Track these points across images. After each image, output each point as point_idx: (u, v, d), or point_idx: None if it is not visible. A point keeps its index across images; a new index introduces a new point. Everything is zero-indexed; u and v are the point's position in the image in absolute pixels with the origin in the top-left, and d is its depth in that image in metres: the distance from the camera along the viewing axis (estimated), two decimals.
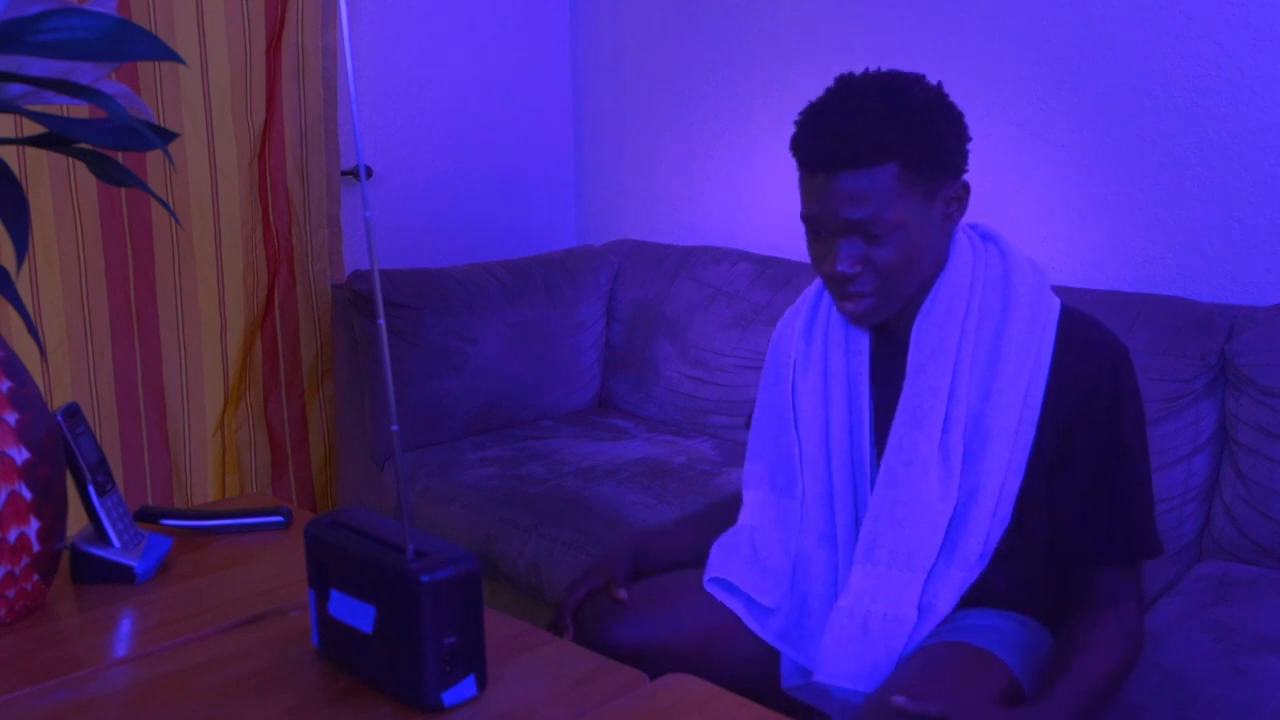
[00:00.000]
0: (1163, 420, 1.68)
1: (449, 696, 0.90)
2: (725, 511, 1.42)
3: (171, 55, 0.90)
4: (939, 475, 1.18)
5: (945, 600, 1.18)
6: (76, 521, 1.15)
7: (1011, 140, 2.10)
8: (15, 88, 0.99)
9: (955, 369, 1.20)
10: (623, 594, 1.28)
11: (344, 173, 2.48)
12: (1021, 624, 1.23)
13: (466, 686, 0.91)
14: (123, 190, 2.13)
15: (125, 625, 1.10)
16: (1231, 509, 1.66)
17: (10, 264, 1.62)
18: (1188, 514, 1.70)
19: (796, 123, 1.19)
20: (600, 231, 2.97)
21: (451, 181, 2.76)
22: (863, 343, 1.27)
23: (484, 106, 2.79)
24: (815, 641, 1.25)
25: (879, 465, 1.24)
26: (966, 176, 1.20)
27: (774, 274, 2.32)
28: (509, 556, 1.93)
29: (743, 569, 1.31)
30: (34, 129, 1.69)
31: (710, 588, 1.32)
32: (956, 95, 1.20)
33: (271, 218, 2.35)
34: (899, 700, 1.01)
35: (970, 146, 1.20)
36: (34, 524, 1.04)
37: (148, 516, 1.32)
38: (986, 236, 1.27)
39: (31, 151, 2.00)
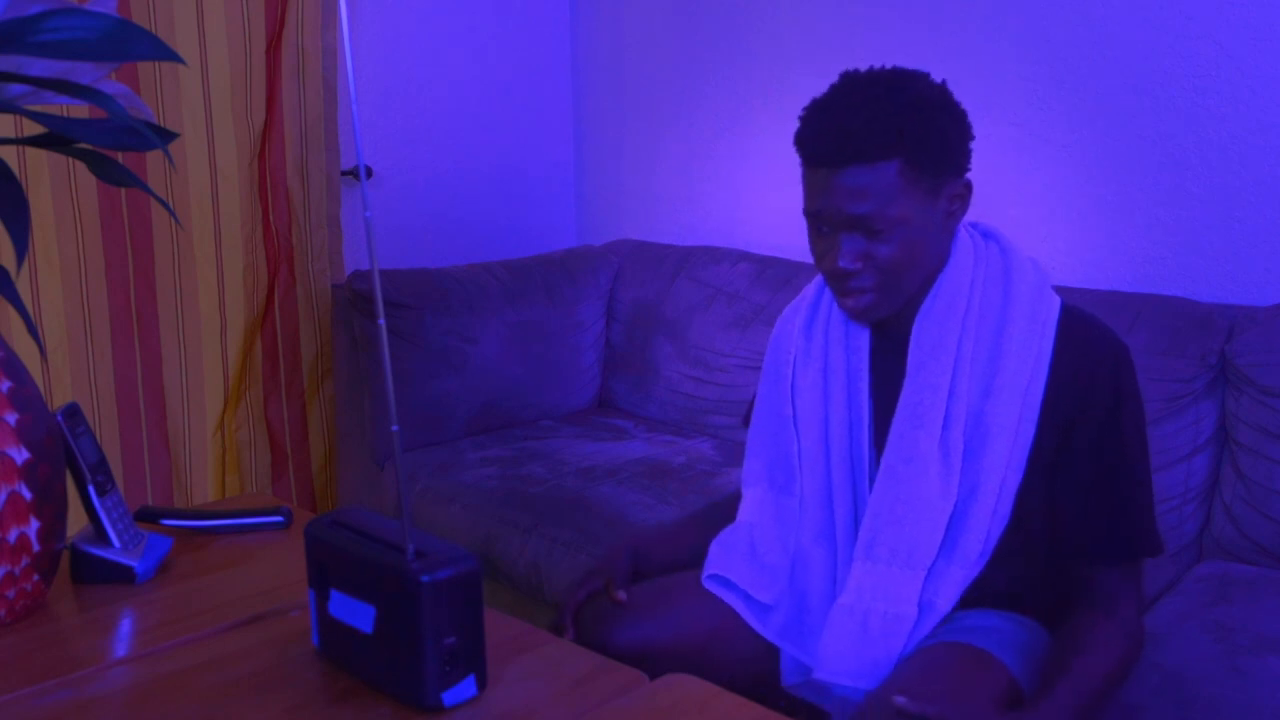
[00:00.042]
0: (1163, 420, 1.68)
1: (449, 696, 0.90)
2: (725, 511, 1.42)
3: (171, 55, 0.90)
4: (939, 473, 1.18)
5: (945, 598, 1.18)
6: (76, 521, 1.15)
7: (1011, 140, 2.10)
8: (15, 88, 0.99)
9: (955, 366, 1.20)
10: (622, 595, 1.28)
11: (344, 173, 2.48)
12: (1021, 625, 1.23)
13: (466, 686, 0.91)
14: (123, 190, 2.13)
15: (125, 625, 1.10)
16: (1231, 509, 1.66)
17: (10, 264, 1.62)
18: (1188, 514, 1.70)
19: (800, 118, 1.19)
20: (600, 231, 2.97)
21: (451, 181, 2.76)
22: (862, 339, 1.27)
23: (484, 106, 2.79)
24: (815, 638, 1.26)
25: (878, 463, 1.24)
26: (969, 175, 1.21)
27: (774, 274, 2.32)
28: (509, 556, 1.93)
29: (741, 566, 1.31)
30: (34, 129, 1.68)
31: (709, 585, 1.32)
32: (957, 95, 1.20)
33: (271, 218, 2.35)
34: (900, 700, 1.01)
35: (972, 145, 1.20)
36: (34, 524, 1.04)
37: (148, 516, 1.32)
38: (988, 235, 1.27)
39: (31, 151, 2.00)
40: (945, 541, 1.19)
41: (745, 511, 1.36)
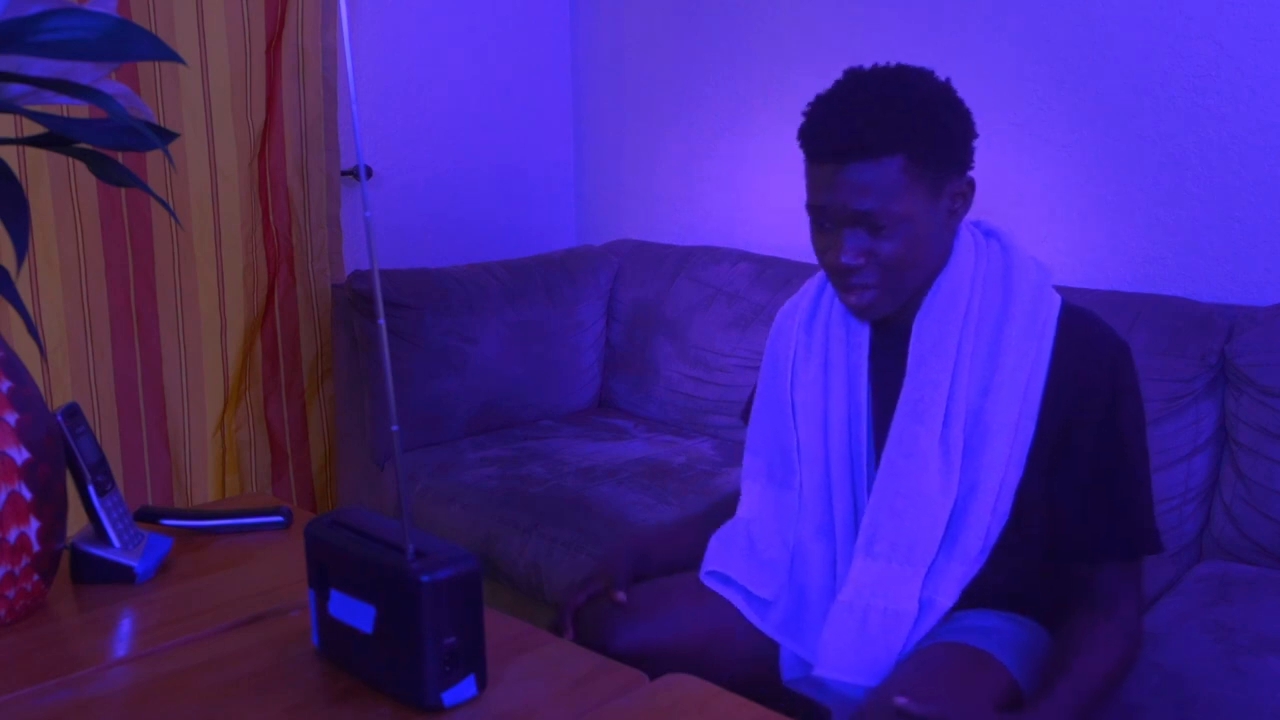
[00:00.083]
0: (1163, 420, 1.68)
1: (449, 696, 0.90)
2: (727, 511, 1.41)
3: (171, 55, 0.90)
4: (939, 469, 1.18)
5: (946, 595, 1.18)
6: (76, 521, 1.15)
7: (1011, 140, 2.10)
8: (15, 88, 0.99)
9: (956, 363, 1.20)
10: (621, 597, 1.28)
11: (344, 173, 2.48)
12: (1021, 625, 1.23)
13: (466, 686, 0.91)
14: (123, 190, 2.13)
15: (125, 625, 1.10)
16: (1231, 509, 1.66)
17: (10, 264, 1.62)
18: (1188, 514, 1.70)
19: (805, 113, 1.19)
20: (600, 231, 2.97)
21: (451, 181, 2.76)
22: (863, 336, 1.27)
23: (484, 106, 2.79)
24: (814, 634, 1.26)
25: (877, 459, 1.24)
26: (971, 173, 1.21)
27: (774, 274, 2.32)
28: (509, 556, 1.93)
29: (739, 562, 1.31)
30: (34, 129, 1.69)
31: (707, 581, 1.32)
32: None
33: (271, 218, 2.35)
34: (901, 702, 1.01)
35: (975, 144, 1.21)
36: (34, 524, 1.04)
37: (148, 516, 1.32)
38: (990, 233, 1.27)
39: (31, 151, 2.00)
40: (946, 538, 1.19)
41: (744, 507, 1.36)
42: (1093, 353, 1.19)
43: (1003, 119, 2.10)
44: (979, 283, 1.22)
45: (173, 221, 2.17)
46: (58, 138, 1.05)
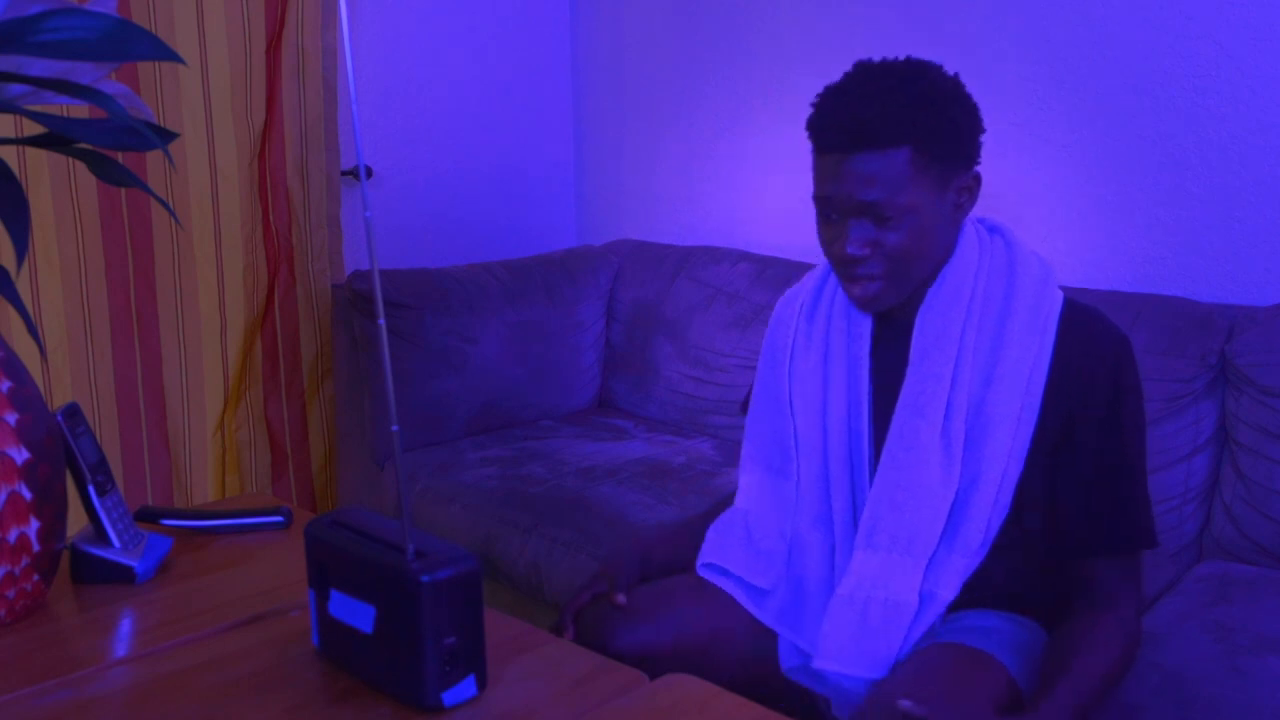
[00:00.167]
0: (1163, 420, 1.68)
1: (449, 696, 0.90)
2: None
3: (171, 55, 0.90)
4: (940, 461, 1.18)
5: (947, 587, 1.18)
6: (76, 521, 1.15)
7: (1011, 140, 2.10)
8: (15, 88, 0.99)
9: (958, 356, 1.20)
10: (621, 598, 1.28)
11: (344, 173, 2.48)
12: (1020, 625, 1.23)
13: (466, 686, 0.91)
14: (123, 190, 2.13)
15: (125, 625, 1.10)
16: (1231, 509, 1.66)
17: (10, 264, 1.62)
18: (1188, 514, 1.70)
19: (813, 104, 1.20)
20: (600, 231, 2.97)
21: (451, 181, 2.76)
22: (864, 327, 1.28)
23: (484, 106, 2.79)
24: (812, 624, 1.26)
25: (877, 451, 1.24)
26: (978, 168, 1.21)
27: (774, 274, 2.32)
28: (509, 556, 1.93)
29: (736, 552, 1.31)
30: (34, 129, 1.69)
31: (704, 573, 1.32)
32: None
33: (271, 218, 2.35)
34: (905, 705, 1.01)
35: (983, 139, 1.21)
36: (34, 524, 1.04)
37: (148, 516, 1.32)
38: (994, 229, 1.27)
39: (31, 151, 2.00)
40: (946, 530, 1.19)
41: (742, 498, 1.36)
42: (1095, 348, 1.19)
43: (1003, 119, 2.10)
44: (982, 277, 1.22)
45: (173, 221, 2.17)
46: (58, 138, 1.05)
